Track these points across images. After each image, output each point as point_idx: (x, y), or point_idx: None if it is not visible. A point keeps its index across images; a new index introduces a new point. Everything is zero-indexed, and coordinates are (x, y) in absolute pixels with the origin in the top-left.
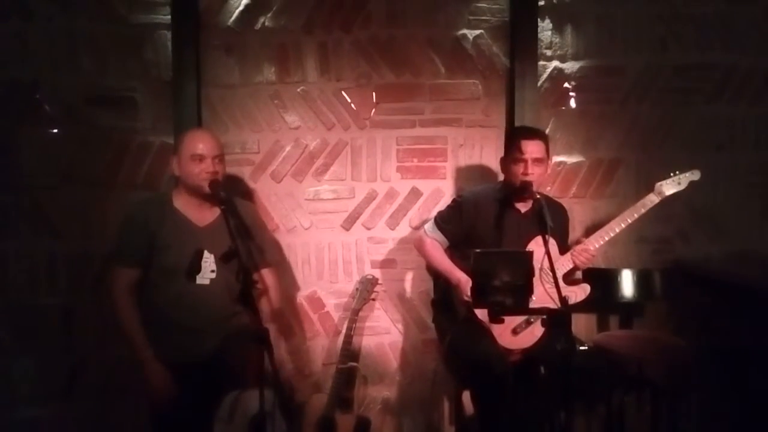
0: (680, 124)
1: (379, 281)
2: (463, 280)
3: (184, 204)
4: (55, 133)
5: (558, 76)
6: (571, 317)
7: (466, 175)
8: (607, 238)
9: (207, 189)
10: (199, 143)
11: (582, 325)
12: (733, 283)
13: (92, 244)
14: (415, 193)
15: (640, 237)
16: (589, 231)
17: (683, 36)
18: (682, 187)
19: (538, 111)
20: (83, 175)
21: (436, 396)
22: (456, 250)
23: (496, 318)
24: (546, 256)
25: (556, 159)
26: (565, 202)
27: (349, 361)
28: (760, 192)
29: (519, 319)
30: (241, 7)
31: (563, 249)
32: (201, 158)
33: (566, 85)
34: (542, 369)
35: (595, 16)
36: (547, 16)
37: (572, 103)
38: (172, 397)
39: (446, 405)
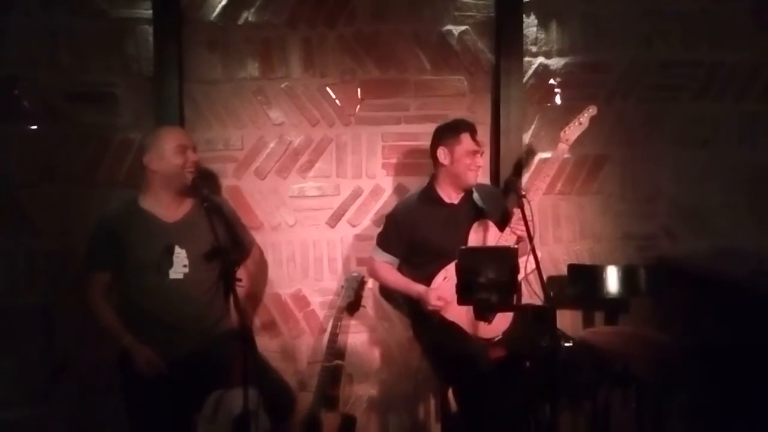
0: (665, 120)
1: (365, 279)
2: (422, 291)
3: (152, 202)
4: (35, 129)
5: (543, 72)
6: (555, 313)
7: None
8: (537, 198)
9: (191, 177)
10: (180, 135)
11: (567, 321)
12: (718, 279)
13: (73, 242)
14: (400, 190)
15: (625, 233)
16: (576, 228)
17: (668, 33)
18: (585, 125)
19: (524, 107)
20: (63, 173)
21: (422, 393)
22: (405, 262)
23: (482, 316)
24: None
25: (541, 156)
26: (551, 199)
27: (335, 359)
28: (745, 188)
29: None
30: (223, 2)
31: (502, 227)
32: (184, 149)
33: (551, 81)
34: (527, 365)
35: (581, 12)
36: (532, 12)
37: (557, 100)
38: (163, 372)
39: (431, 402)
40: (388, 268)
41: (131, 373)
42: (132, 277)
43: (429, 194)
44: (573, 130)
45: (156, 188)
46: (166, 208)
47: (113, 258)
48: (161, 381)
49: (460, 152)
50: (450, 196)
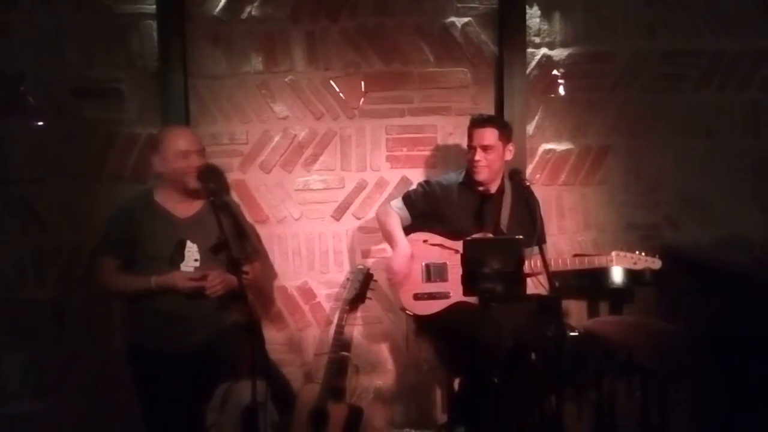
0: (669, 110)
1: (371, 271)
2: (401, 247)
3: (166, 198)
4: (41, 125)
5: (547, 63)
6: (561, 304)
7: (456, 163)
8: (553, 268)
9: (195, 182)
10: (182, 140)
11: (572, 311)
12: (722, 268)
13: (80, 236)
14: (405, 183)
15: (628, 223)
16: (580, 218)
17: (671, 22)
18: (637, 267)
19: (527, 99)
20: (70, 168)
21: (428, 384)
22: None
23: (488, 305)
24: None
25: (545, 146)
26: (555, 190)
27: (341, 351)
28: (748, 177)
29: None
30: None
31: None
32: (186, 154)
33: (555, 72)
34: (533, 355)
35: (584, 2)
36: (535, 3)
37: (561, 91)
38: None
39: (438, 393)
40: (395, 216)
41: (141, 365)
42: (144, 268)
43: (465, 180)
44: (624, 261)
45: (167, 186)
46: (179, 203)
47: (127, 246)
48: (171, 373)
49: (468, 149)
50: (483, 185)
